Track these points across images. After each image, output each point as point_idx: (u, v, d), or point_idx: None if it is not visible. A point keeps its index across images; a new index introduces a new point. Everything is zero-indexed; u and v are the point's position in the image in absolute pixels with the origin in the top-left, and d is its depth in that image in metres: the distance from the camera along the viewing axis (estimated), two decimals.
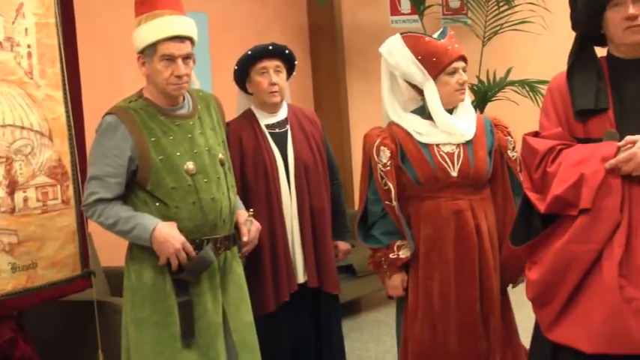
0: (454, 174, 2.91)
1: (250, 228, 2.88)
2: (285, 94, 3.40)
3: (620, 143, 2.31)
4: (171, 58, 2.64)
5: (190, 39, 2.71)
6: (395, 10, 6.24)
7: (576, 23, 2.55)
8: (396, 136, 3.00)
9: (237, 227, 2.85)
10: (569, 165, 2.36)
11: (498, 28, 5.73)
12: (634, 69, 2.42)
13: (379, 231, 3.04)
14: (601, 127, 2.40)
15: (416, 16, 5.74)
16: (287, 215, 3.29)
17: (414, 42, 2.97)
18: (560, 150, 2.43)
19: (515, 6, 5.59)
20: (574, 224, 2.32)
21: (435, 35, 3.03)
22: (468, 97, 3.05)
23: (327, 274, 3.35)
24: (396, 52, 3.00)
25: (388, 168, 2.98)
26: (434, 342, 2.96)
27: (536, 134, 2.54)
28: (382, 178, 3.00)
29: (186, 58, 2.68)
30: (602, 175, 2.29)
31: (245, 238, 2.85)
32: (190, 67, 2.71)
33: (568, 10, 6.64)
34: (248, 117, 3.36)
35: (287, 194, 3.29)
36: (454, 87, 2.94)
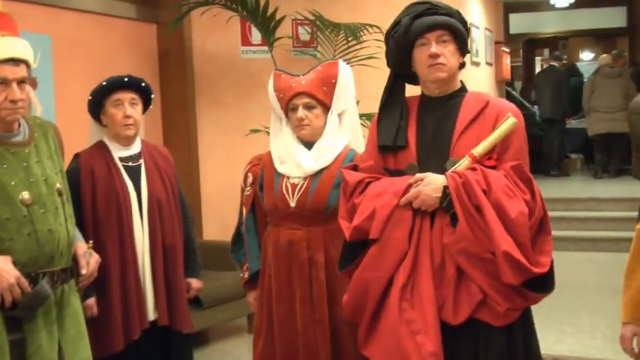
0: (292, 204, 3.00)
1: (89, 260, 2.77)
2: (140, 129, 3.35)
3: (410, 180, 2.50)
4: (5, 82, 2.51)
5: (26, 62, 2.58)
6: (246, 40, 6.26)
7: (389, 60, 2.74)
8: (264, 163, 3.12)
9: (75, 259, 2.73)
10: (370, 197, 2.55)
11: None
12: (437, 106, 2.63)
13: (241, 251, 3.21)
14: (406, 160, 2.59)
15: (266, 48, 5.76)
16: (139, 250, 3.22)
17: (275, 78, 3.11)
18: (368, 183, 2.60)
19: (364, 41, 5.72)
20: (367, 253, 2.53)
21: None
22: (335, 130, 3.07)
23: (179, 312, 3.31)
24: (268, 88, 3.12)
25: (248, 193, 3.15)
26: None
27: (354, 167, 2.73)
28: (243, 202, 3.17)
29: (22, 82, 2.55)
30: (390, 208, 2.49)
31: (84, 271, 2.74)
32: (26, 92, 2.58)
33: None
34: (100, 148, 3.28)
35: (139, 229, 3.23)
36: (294, 123, 3.04)
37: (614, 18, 13.60)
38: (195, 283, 3.52)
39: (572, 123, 11.41)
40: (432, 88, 2.65)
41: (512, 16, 12.53)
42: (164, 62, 6.03)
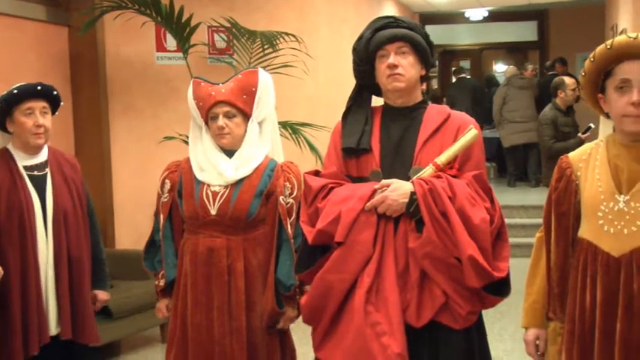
0: (213, 212, 2.98)
1: None
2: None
3: (376, 186, 2.56)
4: None
5: None
6: (160, 46, 6.17)
7: (354, 72, 2.81)
8: (182, 170, 3.08)
9: None
10: (334, 202, 2.59)
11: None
12: (400, 116, 2.71)
13: (156, 259, 3.15)
14: (369, 167, 2.66)
15: (181, 54, 5.69)
16: (42, 262, 3.14)
17: (195, 87, 3.08)
18: (331, 188, 2.65)
19: (280, 50, 5.72)
20: (332, 255, 2.56)
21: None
22: (256, 139, 3.07)
23: (84, 325, 3.25)
24: (188, 96, 3.08)
25: (165, 200, 3.09)
26: None
27: (316, 173, 2.76)
28: (159, 209, 3.11)
29: None
30: (356, 213, 2.53)
31: None
32: None
33: (328, 57, 7.01)
34: (4, 156, 3.19)
35: (43, 240, 3.16)
36: (215, 131, 3.03)
37: (525, 32, 14.02)
38: (101, 294, 3.47)
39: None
40: (394, 98, 2.74)
41: (429, 28, 12.68)
42: (75, 66, 5.89)
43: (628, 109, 2.21)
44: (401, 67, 2.65)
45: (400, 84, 2.67)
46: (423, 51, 2.70)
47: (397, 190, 2.53)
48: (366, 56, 2.72)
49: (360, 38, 2.76)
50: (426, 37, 2.74)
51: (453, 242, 2.47)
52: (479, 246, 2.47)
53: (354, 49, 2.77)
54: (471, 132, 2.61)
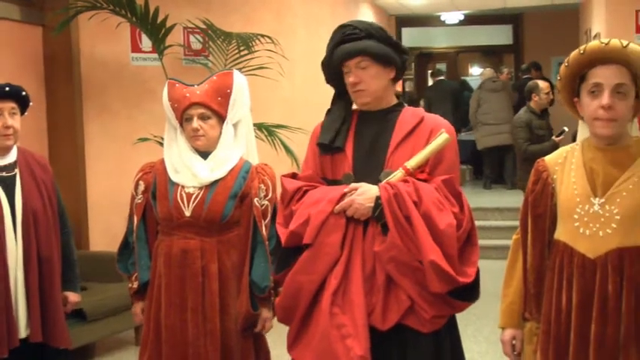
0: (187, 214, 2.97)
1: None
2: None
3: (345, 189, 2.58)
4: None
5: None
6: (136, 47, 6.13)
7: (327, 82, 2.84)
8: (156, 171, 3.07)
9: None
10: (307, 205, 2.61)
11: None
12: (375, 119, 2.72)
13: (130, 261, 3.13)
14: (343, 169, 2.68)
15: (156, 55, 5.66)
16: (11, 264, 3.11)
17: (170, 88, 3.06)
18: (306, 191, 2.67)
19: (255, 51, 5.71)
20: (301, 257, 2.59)
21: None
22: (231, 140, 3.06)
23: (55, 328, 3.22)
24: (163, 97, 3.07)
25: (139, 201, 3.08)
26: None
27: (293, 175, 2.78)
28: (133, 210, 3.10)
29: None
30: (325, 215, 2.56)
31: None
32: None
33: (304, 59, 7.03)
34: None
35: (12, 242, 3.12)
36: (189, 133, 3.02)
37: (501, 35, 14.12)
38: (72, 296, 3.45)
39: (461, 135, 11.74)
40: (365, 108, 2.75)
41: (405, 30, 12.80)
42: (50, 66, 5.83)
43: (599, 112, 2.25)
44: (362, 83, 2.66)
45: (365, 99, 2.70)
46: (385, 58, 2.68)
47: (364, 194, 2.55)
48: (333, 71, 2.75)
49: (326, 51, 2.76)
50: (387, 39, 2.71)
51: (417, 247, 2.48)
52: (444, 251, 2.48)
53: (322, 64, 2.79)
54: (442, 136, 2.61)
